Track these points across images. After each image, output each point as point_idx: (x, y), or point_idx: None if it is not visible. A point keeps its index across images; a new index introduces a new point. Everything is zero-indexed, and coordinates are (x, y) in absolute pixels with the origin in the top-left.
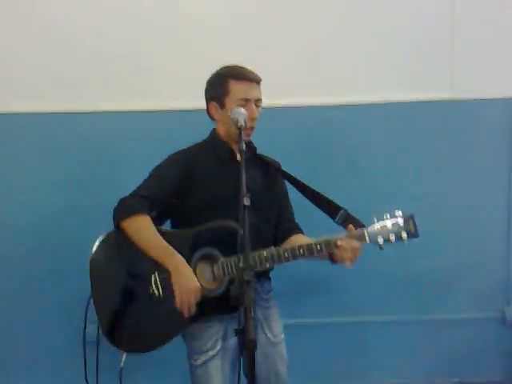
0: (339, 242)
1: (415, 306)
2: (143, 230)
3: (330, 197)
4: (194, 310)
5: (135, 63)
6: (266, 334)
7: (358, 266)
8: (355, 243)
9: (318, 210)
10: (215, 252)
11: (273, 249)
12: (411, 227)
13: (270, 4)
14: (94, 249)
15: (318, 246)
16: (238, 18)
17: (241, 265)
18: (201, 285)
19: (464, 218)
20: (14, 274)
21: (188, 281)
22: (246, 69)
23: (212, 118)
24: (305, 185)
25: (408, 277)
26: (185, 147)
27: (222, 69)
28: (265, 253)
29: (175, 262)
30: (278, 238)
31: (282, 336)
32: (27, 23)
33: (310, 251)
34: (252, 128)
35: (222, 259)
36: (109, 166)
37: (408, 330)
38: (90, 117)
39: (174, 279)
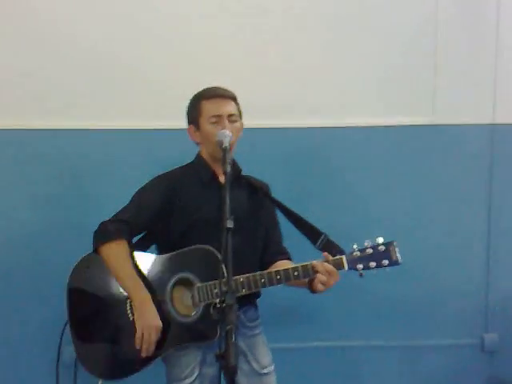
0: (314, 263)
1: (396, 332)
2: (117, 258)
3: (312, 220)
4: (152, 348)
5: (119, 81)
6: (250, 364)
7: (341, 291)
8: (330, 267)
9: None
10: (192, 277)
11: (250, 274)
12: (393, 255)
13: (258, 26)
14: (72, 272)
15: (296, 272)
16: (225, 40)
17: (223, 288)
18: (177, 311)
19: (444, 243)
20: None
21: (150, 319)
22: (217, 87)
23: (194, 142)
24: (288, 208)
25: (389, 303)
26: (168, 168)
27: (197, 92)
28: (241, 278)
29: (140, 298)
30: (263, 262)
31: (272, 367)
32: (12, 36)
33: (287, 277)
34: (232, 143)
35: (198, 284)
36: (88, 184)
37: (389, 355)
38: (69, 134)
39: (136, 316)
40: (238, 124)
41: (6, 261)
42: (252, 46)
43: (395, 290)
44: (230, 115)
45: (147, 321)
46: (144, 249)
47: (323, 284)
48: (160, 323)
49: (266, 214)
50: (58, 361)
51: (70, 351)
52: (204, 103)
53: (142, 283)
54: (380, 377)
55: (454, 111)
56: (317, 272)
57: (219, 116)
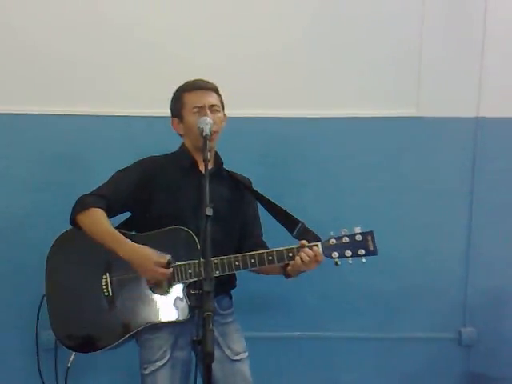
0: (298, 251)
1: (373, 324)
2: (96, 221)
3: (291, 210)
4: (167, 275)
5: (109, 68)
6: (222, 351)
7: (319, 281)
8: (309, 252)
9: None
10: (168, 256)
11: (225, 257)
12: (369, 244)
13: (243, 15)
14: (50, 248)
15: (270, 257)
16: (206, 28)
17: (202, 274)
18: (151, 288)
19: (424, 236)
20: None
21: (144, 260)
22: (198, 80)
23: (178, 134)
24: (268, 199)
25: (367, 294)
26: (154, 154)
27: (179, 86)
28: (215, 260)
29: (127, 249)
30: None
31: (246, 355)
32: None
33: (260, 261)
34: (215, 132)
35: (172, 264)
36: (76, 169)
37: (366, 348)
38: (57, 119)
39: (133, 266)
40: (220, 114)
41: None
42: (235, 34)
43: (373, 282)
44: (212, 105)
45: (143, 263)
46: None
47: (304, 263)
48: (152, 253)
49: (246, 207)
50: (36, 339)
51: (48, 335)
52: (186, 95)
53: (121, 236)
54: (355, 368)
55: (438, 104)
56: (294, 257)
57: (201, 107)
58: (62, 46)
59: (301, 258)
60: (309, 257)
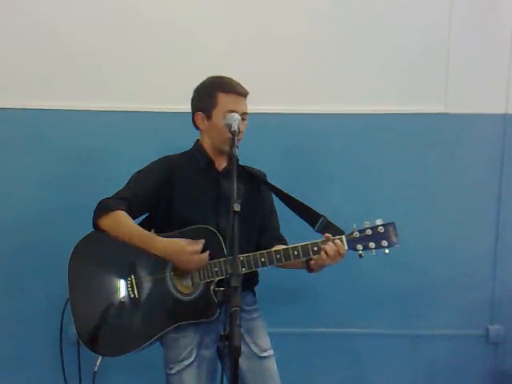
0: (322, 245)
1: (400, 320)
2: (121, 223)
3: (314, 206)
4: (205, 257)
5: (127, 64)
6: (249, 347)
7: (342, 277)
8: (333, 246)
9: (301, 221)
10: (201, 241)
11: (250, 254)
12: (392, 236)
13: (264, 12)
14: (72, 251)
15: (295, 251)
16: (231, 26)
17: (229, 270)
18: (177, 289)
19: (452, 233)
20: None
21: (180, 251)
22: (234, 81)
23: (197, 128)
24: (286, 194)
25: (394, 290)
26: (174, 151)
27: (210, 80)
28: (241, 257)
29: (160, 245)
30: (260, 248)
31: (271, 352)
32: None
33: (286, 256)
34: (238, 140)
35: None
36: (96, 166)
37: (392, 344)
38: (85, 114)
39: (171, 260)
40: (246, 122)
41: (14, 240)
42: (262, 33)
43: (400, 278)
44: (244, 113)
45: (179, 256)
46: None
47: (329, 257)
48: (183, 243)
49: (262, 201)
50: (60, 339)
51: (73, 329)
52: (221, 96)
53: (151, 234)
54: (381, 365)
55: (466, 100)
56: (319, 251)
57: (234, 112)
58: (87, 41)
59: (326, 252)
60: (333, 250)
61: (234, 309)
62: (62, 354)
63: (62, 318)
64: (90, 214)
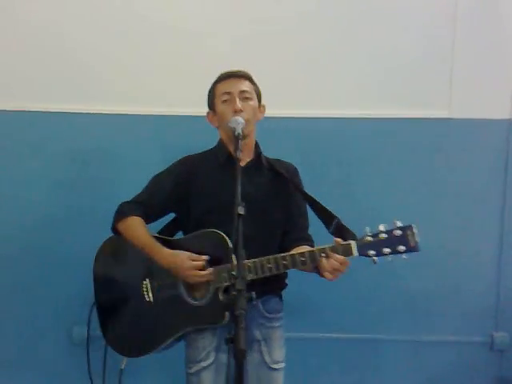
0: (321, 258)
1: (404, 326)
2: (134, 229)
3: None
4: (207, 277)
5: (129, 67)
6: (262, 355)
7: (344, 282)
8: (336, 259)
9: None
10: (204, 257)
11: (257, 259)
12: (410, 240)
13: (271, 15)
14: (95, 257)
15: (302, 258)
16: (232, 29)
17: (234, 273)
18: (189, 294)
19: (456, 239)
20: (5, 274)
21: (181, 265)
22: (229, 70)
23: (214, 127)
24: (305, 191)
25: (397, 296)
26: (179, 154)
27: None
28: (248, 263)
29: (163, 256)
30: (283, 248)
31: (283, 365)
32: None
33: (293, 262)
34: (247, 129)
35: (208, 268)
36: (99, 168)
37: (395, 350)
38: (89, 117)
39: (172, 272)
40: (251, 102)
41: (22, 242)
42: (274, 36)
43: (405, 285)
44: (242, 91)
45: (179, 269)
46: (170, 235)
47: (331, 273)
48: (184, 257)
49: (289, 198)
50: (87, 338)
51: (78, 330)
52: (217, 85)
53: (157, 244)
54: (384, 372)
55: (470, 105)
56: (328, 256)
57: (229, 93)
58: (89, 44)
59: (323, 267)
60: (331, 267)
61: (238, 312)
62: (88, 354)
63: (89, 321)
64: (94, 216)
